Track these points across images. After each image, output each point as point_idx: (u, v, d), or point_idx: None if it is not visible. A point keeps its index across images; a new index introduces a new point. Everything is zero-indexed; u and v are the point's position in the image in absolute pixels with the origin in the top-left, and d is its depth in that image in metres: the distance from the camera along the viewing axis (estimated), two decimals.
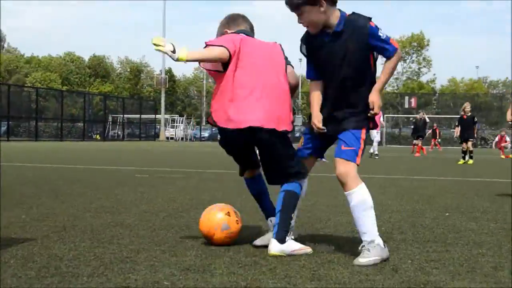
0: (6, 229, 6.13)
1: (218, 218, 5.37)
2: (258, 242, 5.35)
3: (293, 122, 5.48)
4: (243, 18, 5.91)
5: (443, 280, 4.32)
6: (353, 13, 5.36)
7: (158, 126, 70.51)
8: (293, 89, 5.72)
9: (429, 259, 5.05)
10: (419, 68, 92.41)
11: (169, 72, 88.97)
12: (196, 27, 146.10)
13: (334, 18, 5.24)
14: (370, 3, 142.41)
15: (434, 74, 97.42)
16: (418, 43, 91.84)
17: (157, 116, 71.67)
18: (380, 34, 5.12)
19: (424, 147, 31.68)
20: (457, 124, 27.96)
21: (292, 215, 5.24)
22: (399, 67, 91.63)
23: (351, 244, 5.65)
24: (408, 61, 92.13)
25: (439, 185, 12.82)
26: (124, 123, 70.80)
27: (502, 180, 14.46)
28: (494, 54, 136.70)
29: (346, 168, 5.06)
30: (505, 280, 4.36)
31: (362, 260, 4.66)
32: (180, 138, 70.71)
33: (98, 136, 65.35)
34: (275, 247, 4.96)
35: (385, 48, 5.13)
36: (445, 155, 31.96)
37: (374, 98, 5.21)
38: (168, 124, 71.82)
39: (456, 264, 4.88)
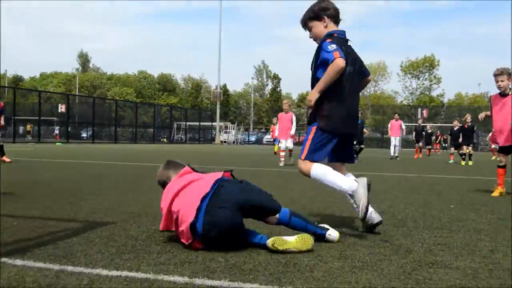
0: (92, 214, 6.24)
1: None
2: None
3: None
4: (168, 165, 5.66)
5: (448, 260, 4.32)
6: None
7: (214, 132, 70.74)
8: None
9: (436, 242, 5.04)
10: (430, 85, 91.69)
11: (223, 87, 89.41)
12: (248, 47, 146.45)
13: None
14: (389, 30, 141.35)
15: (443, 90, 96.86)
16: (429, 64, 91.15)
17: (213, 123, 71.94)
18: (328, 46, 5.15)
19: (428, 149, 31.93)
20: (449, 133, 27.93)
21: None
22: (414, 84, 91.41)
23: None
24: (421, 78, 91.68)
25: (446, 182, 12.71)
26: (186, 129, 71.22)
27: (488, 178, 14.28)
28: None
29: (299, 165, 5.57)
30: (500, 261, 4.33)
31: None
32: (232, 142, 70.89)
33: (165, 139, 65.77)
34: None
35: (326, 57, 5.14)
36: (444, 159, 31.58)
37: (309, 95, 5.47)
38: (222, 130, 72.02)
39: (459, 247, 4.86)
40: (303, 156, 5.45)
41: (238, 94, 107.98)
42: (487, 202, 8.46)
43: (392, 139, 27.43)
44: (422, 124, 30.79)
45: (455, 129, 26.24)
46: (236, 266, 3.97)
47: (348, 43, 5.62)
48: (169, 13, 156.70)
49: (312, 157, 5.42)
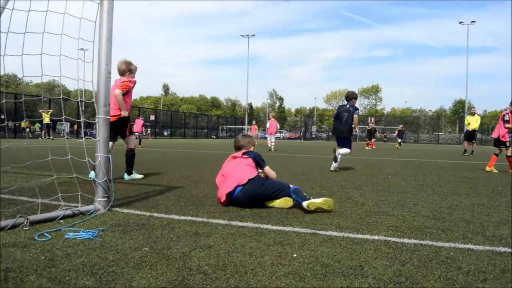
0: (170, 181, 6.24)
1: None
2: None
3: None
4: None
5: (387, 210, 4.26)
6: None
7: (244, 131, 70.84)
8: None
9: (380, 199, 4.97)
10: (375, 102, 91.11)
11: (249, 104, 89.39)
12: (264, 80, 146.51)
13: None
14: (351, 69, 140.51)
15: (383, 105, 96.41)
16: (375, 90, 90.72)
17: (243, 126, 72.04)
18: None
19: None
20: (367, 132, 28.95)
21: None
22: (366, 102, 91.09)
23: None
24: (370, 98, 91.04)
25: (386, 161, 12.57)
26: (227, 130, 71.29)
27: (414, 159, 14.10)
28: (415, 94, 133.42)
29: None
30: (419, 211, 4.27)
31: None
32: (254, 137, 70.84)
33: (214, 136, 65.65)
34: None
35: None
36: (385, 148, 31.30)
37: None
38: (249, 131, 72.02)
39: (394, 202, 4.79)
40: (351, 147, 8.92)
41: (259, 108, 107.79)
42: (411, 174, 8.36)
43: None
44: (372, 127, 30.15)
45: (368, 128, 27.95)
46: (257, 214, 3.94)
47: (344, 105, 8.87)
48: (217, 61, 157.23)
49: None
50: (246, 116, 71.12)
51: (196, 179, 6.58)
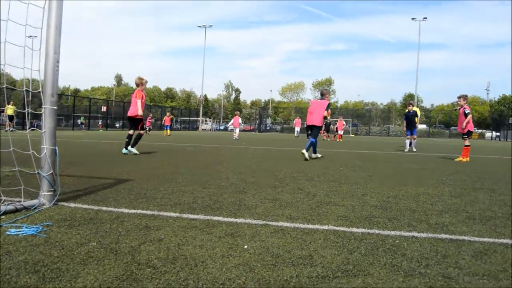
0: (120, 174, 6.08)
1: None
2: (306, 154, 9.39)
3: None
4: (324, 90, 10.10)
5: (338, 201, 4.36)
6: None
7: (198, 123, 70.17)
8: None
9: (331, 190, 5.07)
10: (329, 95, 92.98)
11: (204, 96, 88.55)
12: (220, 71, 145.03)
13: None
14: (306, 62, 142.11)
15: (337, 98, 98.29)
16: (329, 82, 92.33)
17: (198, 118, 71.36)
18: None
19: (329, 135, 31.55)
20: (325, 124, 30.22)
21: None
22: (319, 95, 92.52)
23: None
24: None
25: (335, 153, 12.85)
26: (181, 121, 70.45)
27: (365, 151, 14.49)
28: (368, 88, 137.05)
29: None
30: (368, 201, 4.39)
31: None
32: (208, 129, 70.36)
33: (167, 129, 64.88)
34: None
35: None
36: (340, 141, 32.04)
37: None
38: (203, 122, 71.45)
39: (344, 193, 4.91)
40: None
41: (214, 100, 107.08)
42: (362, 166, 8.59)
43: (296, 128, 33.40)
44: (329, 120, 30.59)
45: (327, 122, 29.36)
46: (209, 206, 3.93)
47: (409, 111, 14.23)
48: (171, 52, 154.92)
49: None
50: (201, 107, 70.54)
51: (148, 172, 6.45)
